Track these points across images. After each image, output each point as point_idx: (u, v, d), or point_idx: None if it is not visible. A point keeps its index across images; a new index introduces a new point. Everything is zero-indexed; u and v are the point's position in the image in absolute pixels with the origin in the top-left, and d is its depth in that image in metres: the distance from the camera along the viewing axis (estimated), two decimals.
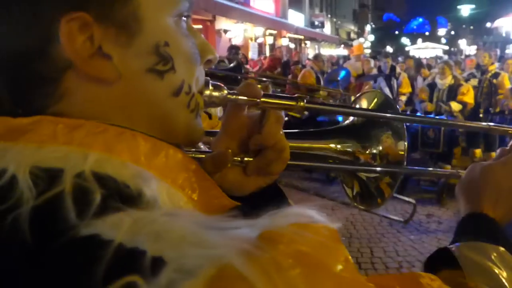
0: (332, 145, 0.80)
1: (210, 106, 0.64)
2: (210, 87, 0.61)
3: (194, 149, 0.64)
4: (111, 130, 0.46)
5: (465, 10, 42.36)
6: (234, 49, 8.31)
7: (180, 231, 0.35)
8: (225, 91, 0.63)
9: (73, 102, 0.48)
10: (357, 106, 0.91)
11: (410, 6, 53.62)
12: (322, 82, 7.31)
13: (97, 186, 0.40)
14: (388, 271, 4.07)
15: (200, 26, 12.39)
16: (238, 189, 0.64)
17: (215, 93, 0.63)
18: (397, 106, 5.41)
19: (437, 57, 13.67)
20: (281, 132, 0.63)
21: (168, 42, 0.50)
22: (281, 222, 0.36)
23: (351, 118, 0.87)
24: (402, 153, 0.83)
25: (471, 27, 48.14)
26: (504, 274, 0.62)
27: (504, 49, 18.70)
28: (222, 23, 13.31)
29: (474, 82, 7.06)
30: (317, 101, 6.91)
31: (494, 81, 7.06)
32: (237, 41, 13.48)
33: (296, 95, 0.69)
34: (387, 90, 7.74)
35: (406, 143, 0.83)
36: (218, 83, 0.62)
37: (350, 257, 0.38)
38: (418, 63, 10.85)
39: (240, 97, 0.63)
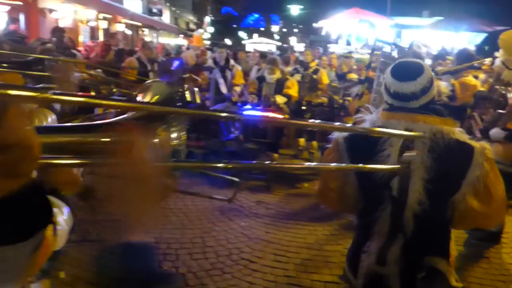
0: (104, 139, 0.72)
1: None
2: None
3: None
4: None
5: (295, 9, 45.91)
6: (58, 32, 7.56)
7: None
8: None
9: None
10: (142, 97, 0.84)
11: (247, 2, 56.07)
12: (152, 74, 7.11)
13: None
14: (219, 259, 4.17)
15: (19, 3, 11.03)
16: None
17: None
18: (231, 98, 5.44)
19: (269, 52, 14.51)
20: (28, 127, 0.55)
21: None
22: None
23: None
24: (173, 144, 0.80)
25: (300, 26, 52.48)
26: None
27: (326, 48, 20.77)
28: (46, 1, 12.01)
29: (297, 77, 7.67)
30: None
31: (315, 76, 7.78)
32: (65, 23, 12.33)
33: (42, 85, 0.59)
34: (222, 81, 7.95)
35: (183, 136, 0.79)
36: None
37: None
38: (262, 55, 11.31)
39: None
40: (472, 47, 17.77)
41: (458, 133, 1.88)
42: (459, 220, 1.92)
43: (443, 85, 4.81)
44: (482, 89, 4.78)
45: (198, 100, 7.31)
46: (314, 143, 7.20)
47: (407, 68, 1.96)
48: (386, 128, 1.90)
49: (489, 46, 19.89)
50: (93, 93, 4.39)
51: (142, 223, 0.65)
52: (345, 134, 2.04)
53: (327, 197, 2.15)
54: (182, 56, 9.45)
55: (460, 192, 1.84)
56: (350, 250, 2.16)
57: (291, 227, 4.97)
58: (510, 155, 4.24)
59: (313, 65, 8.27)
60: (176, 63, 7.12)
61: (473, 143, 1.86)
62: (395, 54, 4.96)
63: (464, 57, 5.01)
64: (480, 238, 4.24)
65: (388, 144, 1.89)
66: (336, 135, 2.07)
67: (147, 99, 0.82)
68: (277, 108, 6.48)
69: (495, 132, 4.25)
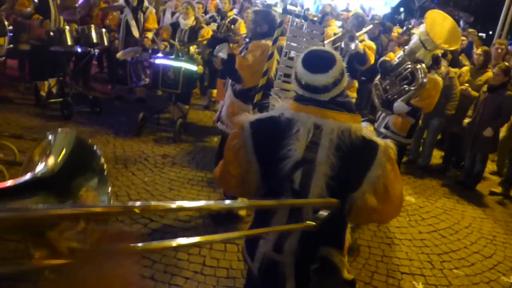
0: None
1: None
2: None
3: None
4: None
5: None
6: None
7: None
8: None
9: None
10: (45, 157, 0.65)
11: None
12: (52, 7, 6.40)
13: None
14: (118, 218, 4.02)
15: None
16: None
17: None
18: (142, 44, 5.06)
19: None
20: None
21: None
22: None
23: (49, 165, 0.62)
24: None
25: None
26: None
27: None
28: None
29: (213, 26, 7.35)
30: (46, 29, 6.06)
31: (232, 26, 7.51)
32: None
33: None
34: (133, 24, 7.38)
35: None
36: None
37: None
38: None
39: None
40: (388, 9, 18.31)
41: (365, 130, 1.85)
42: (355, 215, 1.94)
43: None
44: (386, 58, 4.86)
45: (106, 42, 6.78)
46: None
47: (319, 59, 1.86)
48: (295, 120, 1.83)
49: (404, 9, 20.76)
50: None
51: None
52: (252, 118, 1.93)
53: (228, 182, 2.05)
54: None
55: (360, 189, 1.83)
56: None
57: (196, 184, 4.92)
58: (407, 128, 4.46)
59: (230, 14, 7.93)
60: None
61: (379, 141, 1.84)
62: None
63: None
64: None
65: (295, 138, 1.82)
66: (242, 117, 1.94)
67: (51, 159, 0.65)
68: (190, 58, 6.20)
69: (399, 105, 4.40)
